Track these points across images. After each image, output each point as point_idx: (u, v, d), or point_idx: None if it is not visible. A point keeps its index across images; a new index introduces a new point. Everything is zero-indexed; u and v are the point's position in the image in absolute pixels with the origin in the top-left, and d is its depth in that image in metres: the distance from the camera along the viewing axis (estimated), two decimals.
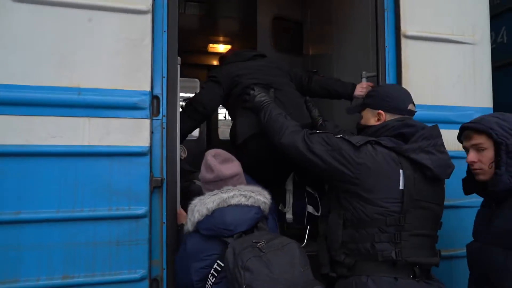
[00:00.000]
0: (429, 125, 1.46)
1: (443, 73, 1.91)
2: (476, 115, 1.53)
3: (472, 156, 1.36)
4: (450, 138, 1.65)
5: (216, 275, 1.30)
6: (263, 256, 1.19)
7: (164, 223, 1.58)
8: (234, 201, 1.36)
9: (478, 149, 1.35)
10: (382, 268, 1.34)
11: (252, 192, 1.40)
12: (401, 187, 1.35)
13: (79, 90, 1.51)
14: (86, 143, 1.51)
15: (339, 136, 1.45)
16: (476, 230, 1.45)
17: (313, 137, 1.47)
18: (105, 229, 1.51)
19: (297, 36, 3.24)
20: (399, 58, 1.85)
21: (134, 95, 1.56)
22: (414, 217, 1.35)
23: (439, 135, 1.43)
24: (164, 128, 1.60)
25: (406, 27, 1.86)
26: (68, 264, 1.47)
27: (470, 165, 1.40)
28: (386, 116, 1.54)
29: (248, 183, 1.51)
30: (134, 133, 1.56)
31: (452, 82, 1.92)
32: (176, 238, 1.59)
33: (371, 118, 1.59)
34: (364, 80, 2.00)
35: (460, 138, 1.46)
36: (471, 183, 1.44)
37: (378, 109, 1.56)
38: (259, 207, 1.40)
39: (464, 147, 1.43)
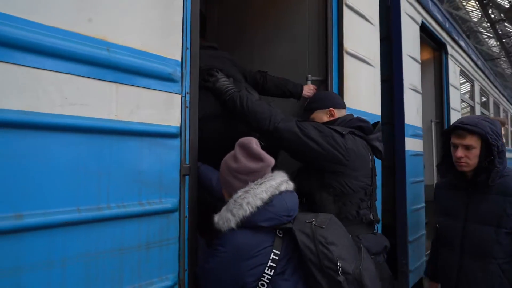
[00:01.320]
0: None
1: (363, 85, 2.48)
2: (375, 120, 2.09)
3: (461, 152, 1.75)
4: None
5: (274, 265, 1.25)
6: (326, 231, 1.29)
7: (186, 217, 1.36)
8: (283, 188, 1.35)
9: (468, 147, 1.73)
10: (364, 228, 1.72)
11: (287, 177, 1.42)
12: (370, 166, 1.77)
13: (108, 45, 1.11)
14: (113, 117, 1.12)
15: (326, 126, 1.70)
16: (450, 209, 1.92)
17: (305, 124, 1.65)
18: (135, 230, 1.17)
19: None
20: (341, 69, 2.27)
21: (168, 63, 1.28)
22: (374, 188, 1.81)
23: (380, 129, 1.93)
24: (187, 107, 1.38)
25: (347, 44, 2.31)
26: (89, 283, 1.06)
27: (456, 158, 1.81)
28: (336, 112, 1.88)
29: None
30: (166, 110, 1.28)
31: (368, 93, 2.52)
32: (196, 234, 1.40)
33: (323, 116, 1.89)
34: (309, 82, 2.32)
35: (449, 134, 1.87)
36: (448, 170, 1.92)
37: (329, 107, 1.89)
38: (294, 191, 1.44)
39: (453, 143, 1.84)
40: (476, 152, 1.74)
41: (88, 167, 1.06)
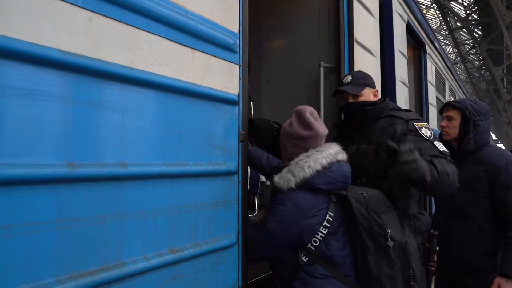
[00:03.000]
0: None
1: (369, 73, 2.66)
2: None
3: (444, 123, 2.13)
4: None
5: (328, 226, 1.38)
6: (375, 202, 1.45)
7: (240, 181, 1.44)
8: (339, 157, 1.47)
9: (449, 118, 2.09)
10: (417, 206, 1.83)
11: (341, 147, 1.53)
12: None
13: (186, 12, 1.17)
14: (190, 80, 1.19)
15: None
16: None
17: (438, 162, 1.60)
18: (207, 188, 1.24)
19: None
20: (352, 57, 2.43)
21: (230, 35, 1.36)
22: None
23: None
24: (240, 79, 1.46)
25: (356, 34, 2.47)
26: (173, 235, 1.12)
27: (441, 128, 2.16)
28: (378, 93, 1.96)
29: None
30: (229, 78, 1.35)
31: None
32: (247, 199, 1.49)
33: (371, 95, 1.89)
34: (322, 69, 2.46)
35: (442, 110, 2.21)
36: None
37: (375, 88, 1.94)
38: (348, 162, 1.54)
39: (442, 116, 2.19)
40: (455, 123, 2.08)
41: (171, 125, 1.12)
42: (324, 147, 1.47)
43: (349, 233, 1.45)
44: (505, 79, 15.42)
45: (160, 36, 1.09)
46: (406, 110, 1.90)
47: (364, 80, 1.91)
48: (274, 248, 1.41)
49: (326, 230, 1.38)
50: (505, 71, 15.13)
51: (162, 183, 1.08)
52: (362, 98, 1.85)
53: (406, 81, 3.75)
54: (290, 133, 1.49)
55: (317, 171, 1.37)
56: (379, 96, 1.96)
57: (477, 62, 20.65)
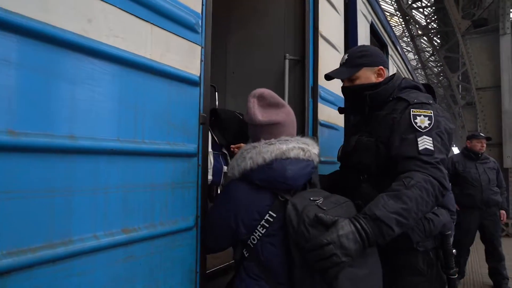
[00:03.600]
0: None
1: (332, 68, 2.71)
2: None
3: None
4: (333, 113, 2.47)
5: (267, 226, 1.22)
6: (325, 213, 1.14)
7: (199, 165, 1.42)
8: (292, 154, 1.25)
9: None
10: None
11: (308, 145, 1.31)
12: None
13: None
14: (148, 56, 1.15)
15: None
16: None
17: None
18: (164, 168, 1.21)
19: None
20: (316, 50, 2.47)
21: (192, 14, 1.33)
22: None
23: None
24: (202, 61, 1.44)
25: (321, 28, 2.52)
26: (126, 214, 1.08)
27: None
28: (385, 72, 1.57)
29: None
30: (189, 58, 1.33)
31: None
32: (206, 183, 1.47)
33: (371, 76, 1.56)
34: (287, 61, 2.48)
35: None
36: None
37: (378, 66, 1.56)
38: (313, 162, 1.32)
39: None
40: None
41: (127, 100, 1.08)
42: (278, 140, 1.28)
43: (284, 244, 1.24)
44: (460, 86, 16.33)
45: (117, 7, 1.04)
46: (426, 86, 1.59)
47: (360, 59, 1.58)
48: (220, 239, 1.32)
49: (264, 230, 1.22)
50: (460, 78, 16.03)
51: (116, 159, 1.04)
52: (359, 81, 1.57)
53: None
54: (251, 120, 1.33)
55: (258, 165, 1.23)
56: (387, 74, 1.60)
57: (436, 69, 21.75)
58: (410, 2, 13.92)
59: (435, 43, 16.77)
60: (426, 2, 14.12)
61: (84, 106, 0.96)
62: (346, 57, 1.64)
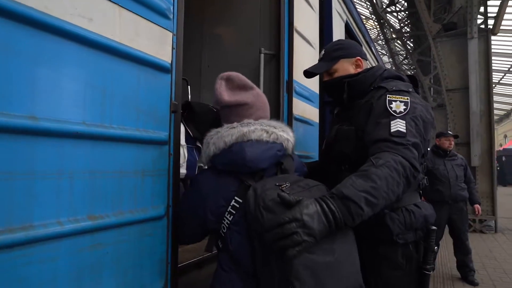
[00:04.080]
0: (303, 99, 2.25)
1: (307, 63, 2.74)
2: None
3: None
4: (307, 108, 2.50)
5: (234, 212, 1.18)
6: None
7: (171, 154, 1.39)
8: (254, 136, 1.21)
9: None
10: (417, 195, 1.52)
11: (275, 128, 1.27)
12: None
13: None
14: (116, 39, 1.12)
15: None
16: None
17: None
18: (133, 155, 1.18)
19: None
20: (291, 44, 2.49)
21: None
22: None
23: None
24: (174, 48, 1.42)
25: (296, 23, 2.53)
26: (93, 201, 1.04)
27: None
28: (363, 63, 1.59)
29: None
30: (161, 44, 1.30)
31: None
32: (178, 172, 1.44)
33: (349, 67, 1.57)
34: (262, 55, 2.48)
35: None
36: None
37: (355, 57, 1.58)
38: (281, 144, 1.27)
39: None
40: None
41: (94, 83, 1.05)
42: (240, 123, 1.26)
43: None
44: (432, 88, 16.88)
45: None
46: (411, 77, 1.58)
47: (337, 52, 1.60)
48: (190, 229, 1.30)
49: (232, 217, 1.18)
50: (432, 81, 16.58)
51: (82, 143, 1.01)
52: (337, 74, 1.57)
53: None
54: (220, 105, 1.34)
55: (220, 150, 1.22)
56: (367, 65, 1.63)
57: (409, 72, 22.41)
58: (384, 6, 14.27)
59: (409, 47, 17.27)
60: (400, 7, 14.52)
61: (47, 87, 0.92)
62: (323, 52, 1.65)
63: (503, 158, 20.70)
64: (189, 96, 2.61)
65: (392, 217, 1.38)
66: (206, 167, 1.33)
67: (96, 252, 1.05)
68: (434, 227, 1.45)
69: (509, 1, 8.54)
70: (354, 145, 1.44)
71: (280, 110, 2.36)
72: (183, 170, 2.16)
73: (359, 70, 1.57)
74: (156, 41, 1.28)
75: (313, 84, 2.87)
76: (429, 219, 1.46)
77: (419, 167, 1.25)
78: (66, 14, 0.96)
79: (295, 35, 2.52)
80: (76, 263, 0.99)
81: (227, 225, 1.19)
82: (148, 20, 1.24)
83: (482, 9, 8.60)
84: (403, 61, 20.91)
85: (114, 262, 1.10)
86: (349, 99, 1.54)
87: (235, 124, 1.27)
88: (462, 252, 4.47)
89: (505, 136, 33.63)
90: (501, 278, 4.67)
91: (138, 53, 1.19)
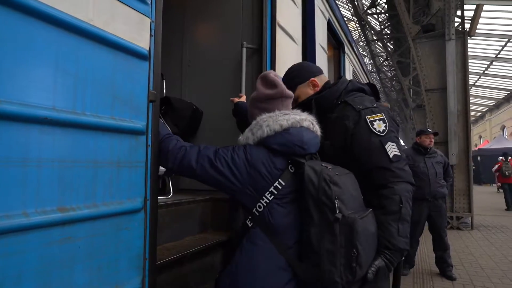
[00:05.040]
0: None
1: (289, 58, 2.72)
2: None
3: None
4: None
5: (275, 192, 1.28)
6: (339, 177, 1.27)
7: (149, 145, 1.34)
8: (305, 124, 1.38)
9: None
10: None
11: (314, 121, 1.45)
12: None
13: None
14: (90, 22, 1.06)
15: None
16: None
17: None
18: (108, 144, 1.12)
19: None
20: (274, 39, 2.47)
21: None
22: None
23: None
24: (152, 35, 1.36)
25: (278, 18, 2.51)
26: (64, 192, 0.98)
27: None
28: (318, 81, 1.69)
29: None
30: (138, 30, 1.25)
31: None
32: (157, 165, 1.39)
33: (308, 90, 1.69)
34: (244, 49, 2.45)
35: None
36: None
37: (308, 79, 1.69)
38: (319, 136, 1.45)
39: None
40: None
41: (65, 67, 0.99)
42: (290, 111, 1.41)
43: (297, 203, 1.32)
44: (411, 89, 17.24)
45: None
46: (370, 86, 1.69)
47: (292, 81, 1.73)
48: (201, 177, 1.34)
49: (272, 196, 1.28)
50: (411, 82, 16.93)
51: (51, 130, 0.94)
52: (300, 99, 1.71)
53: (327, 75, 3.94)
54: (255, 97, 1.45)
55: (275, 132, 1.33)
56: (324, 79, 1.74)
57: (389, 73, 22.83)
58: (365, 8, 14.48)
59: (389, 49, 17.59)
60: (380, 9, 14.77)
61: (12, 69, 0.86)
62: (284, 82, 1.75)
63: (478, 158, 21.36)
64: (165, 91, 2.55)
65: None
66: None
67: (66, 246, 0.98)
68: None
69: (484, 5, 8.82)
70: (330, 158, 1.48)
71: None
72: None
73: (317, 89, 1.69)
74: (134, 27, 1.22)
75: None
76: None
77: (412, 180, 1.46)
78: None
79: (278, 29, 2.50)
80: (45, 257, 0.93)
81: (265, 204, 1.28)
82: (124, 4, 1.19)
83: (459, 12, 8.84)
84: (384, 63, 21.29)
85: (86, 257, 1.04)
86: (318, 114, 1.60)
87: (287, 111, 1.40)
88: (441, 248, 4.56)
89: (480, 137, 34.75)
90: (477, 273, 4.79)
91: (113, 37, 1.13)
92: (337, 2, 4.44)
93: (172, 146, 1.35)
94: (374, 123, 1.46)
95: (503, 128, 28.59)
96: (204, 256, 2.12)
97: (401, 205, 1.37)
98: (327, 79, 1.75)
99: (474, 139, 35.27)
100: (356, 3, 13.91)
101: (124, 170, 1.18)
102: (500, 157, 13.77)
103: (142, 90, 1.27)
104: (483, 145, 26.50)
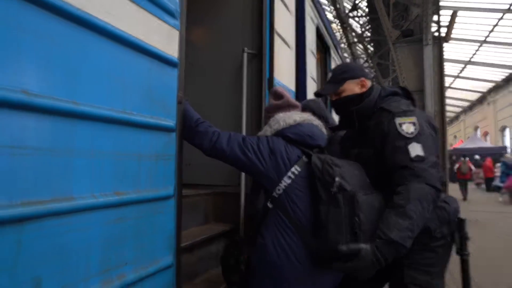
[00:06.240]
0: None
1: (285, 63, 2.94)
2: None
3: None
4: None
5: (293, 177, 1.50)
6: (341, 161, 1.49)
7: (177, 141, 1.52)
8: (315, 123, 1.70)
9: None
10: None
11: (322, 126, 1.74)
12: None
13: None
14: (133, 34, 1.24)
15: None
16: None
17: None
18: (149, 140, 1.30)
19: None
20: (272, 45, 2.68)
21: (172, 0, 1.44)
22: None
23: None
24: (179, 45, 1.55)
25: (276, 26, 2.73)
26: (118, 179, 1.16)
27: None
28: (367, 83, 1.74)
29: None
30: (169, 41, 1.43)
31: (288, 71, 3.00)
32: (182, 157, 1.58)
33: (355, 87, 1.75)
34: (245, 54, 2.65)
35: None
36: None
37: (360, 77, 1.74)
38: (326, 136, 1.73)
39: None
40: None
41: (115, 74, 1.17)
42: (301, 112, 1.73)
43: (310, 189, 1.49)
44: None
45: None
46: (404, 90, 1.74)
47: (343, 74, 1.79)
48: (230, 159, 1.57)
49: (290, 180, 1.50)
50: (390, 83, 17.52)
51: (110, 127, 1.13)
52: (344, 94, 1.76)
53: (315, 78, 4.19)
54: (267, 108, 1.77)
55: (289, 125, 1.61)
56: (370, 83, 1.78)
57: (370, 75, 23.48)
58: (347, 12, 14.91)
59: (369, 51, 18.13)
60: (362, 12, 15.24)
61: (83, 76, 1.04)
62: (330, 74, 1.84)
63: (453, 157, 22.25)
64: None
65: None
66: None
67: (119, 225, 1.17)
68: (463, 218, 1.62)
69: (459, 11, 9.32)
70: (375, 168, 1.56)
71: (262, 105, 2.54)
72: None
73: (364, 90, 1.74)
74: (166, 38, 1.41)
75: (290, 83, 3.08)
76: (459, 210, 1.63)
77: (439, 183, 1.42)
78: (101, 12, 1.08)
79: (275, 36, 2.71)
80: (105, 234, 1.11)
81: (284, 187, 1.50)
82: (160, 19, 1.38)
83: (436, 17, 9.31)
84: (364, 64, 21.90)
85: (133, 236, 1.23)
86: (359, 124, 1.71)
87: (297, 111, 1.73)
88: None
89: (455, 137, 36.08)
90: (452, 263, 5.15)
91: (150, 47, 1.32)
92: (321, 6, 4.70)
93: (207, 130, 1.57)
94: (403, 125, 1.49)
95: (476, 128, 29.84)
96: (210, 245, 2.32)
97: (407, 198, 1.35)
98: (372, 84, 1.78)
99: (449, 139, 36.56)
100: (338, 5, 14.30)
101: (160, 162, 1.37)
102: (461, 158, 15.78)
103: (173, 92, 1.46)
104: (458, 144, 27.57)
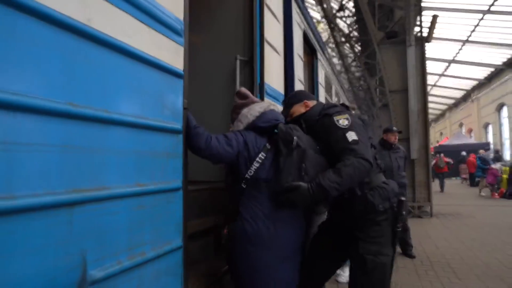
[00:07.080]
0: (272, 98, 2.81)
1: (274, 68, 3.21)
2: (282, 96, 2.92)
3: None
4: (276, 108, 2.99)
5: (260, 161, 1.89)
6: (300, 132, 1.94)
7: (183, 141, 1.77)
8: (271, 107, 2.10)
9: None
10: (381, 175, 2.18)
11: (275, 105, 2.20)
12: None
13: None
14: (147, 51, 1.49)
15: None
16: None
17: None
18: (161, 140, 1.55)
19: None
20: (262, 52, 2.94)
21: (177, 20, 1.69)
22: None
23: None
24: (183, 59, 1.80)
25: (266, 35, 2.99)
26: (138, 172, 1.41)
27: None
28: (309, 103, 2.26)
29: None
30: (176, 56, 1.68)
31: (278, 75, 3.26)
32: (187, 155, 1.83)
33: (300, 108, 2.27)
34: (238, 61, 2.90)
35: None
36: None
37: (303, 101, 2.28)
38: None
39: None
40: None
41: (134, 86, 1.42)
42: (259, 101, 2.12)
43: (274, 161, 1.89)
44: (378, 89, 18.27)
45: (124, 10, 1.38)
46: (342, 105, 2.18)
47: (291, 99, 2.36)
48: (220, 154, 1.87)
49: (258, 164, 1.88)
50: (377, 82, 17.95)
51: (132, 130, 1.37)
52: (294, 114, 2.28)
53: (303, 80, 4.47)
54: (235, 106, 2.06)
55: (257, 116, 1.98)
56: (313, 103, 2.28)
57: (357, 73, 23.94)
58: (334, 12, 15.26)
59: (356, 50, 18.53)
60: (349, 13, 15.62)
61: (112, 90, 1.28)
62: (283, 101, 2.47)
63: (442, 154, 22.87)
64: None
65: (372, 194, 2.01)
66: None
67: (140, 211, 1.41)
68: (403, 198, 2.09)
69: (442, 11, 9.70)
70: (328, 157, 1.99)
71: None
72: None
73: (307, 109, 2.25)
74: (173, 54, 1.66)
75: (279, 86, 3.35)
76: (396, 191, 2.10)
77: (371, 158, 1.87)
78: (118, 34, 1.33)
79: (265, 44, 2.98)
80: (130, 219, 1.36)
81: (254, 169, 1.87)
82: (167, 37, 1.62)
83: (418, 18, 9.69)
84: (352, 63, 22.32)
85: (151, 221, 1.48)
86: (307, 128, 2.16)
87: (259, 103, 2.11)
88: (402, 229, 5.22)
89: (441, 134, 36.90)
90: (433, 252, 5.51)
91: (161, 62, 1.56)
92: (307, 6, 4.98)
93: (203, 133, 1.85)
94: (339, 120, 1.96)
95: (461, 125, 30.61)
96: (206, 236, 2.58)
97: (345, 164, 1.80)
98: (316, 103, 2.30)
99: (435, 136, 37.36)
100: (325, 5, 14.64)
101: (171, 159, 1.62)
102: (437, 154, 17.51)
103: (180, 100, 1.71)
104: (444, 141, 28.27)
